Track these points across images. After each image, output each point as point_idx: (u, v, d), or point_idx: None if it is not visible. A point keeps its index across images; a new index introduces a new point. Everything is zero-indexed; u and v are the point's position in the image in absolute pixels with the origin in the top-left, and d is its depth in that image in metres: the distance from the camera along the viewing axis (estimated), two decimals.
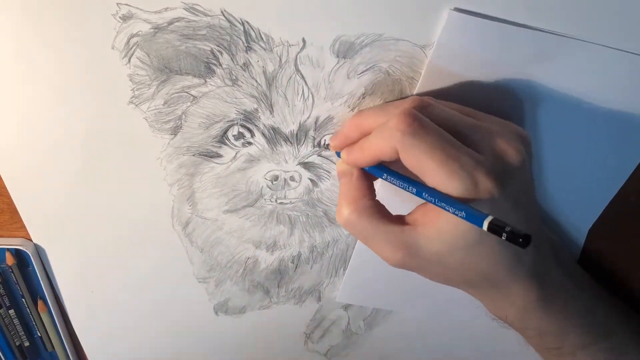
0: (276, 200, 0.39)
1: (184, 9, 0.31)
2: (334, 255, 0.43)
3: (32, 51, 0.32)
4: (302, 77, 0.34)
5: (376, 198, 0.32)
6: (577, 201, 0.39)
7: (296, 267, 0.43)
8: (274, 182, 0.38)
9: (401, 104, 0.30)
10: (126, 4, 0.31)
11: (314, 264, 0.43)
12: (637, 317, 0.39)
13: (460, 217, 0.26)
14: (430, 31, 0.32)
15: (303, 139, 0.36)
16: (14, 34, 0.31)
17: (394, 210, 0.32)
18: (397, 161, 0.28)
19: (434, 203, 0.27)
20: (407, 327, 0.49)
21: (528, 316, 0.33)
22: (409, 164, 0.28)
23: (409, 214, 0.31)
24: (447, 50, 0.32)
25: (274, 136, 0.36)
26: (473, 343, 0.50)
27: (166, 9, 0.31)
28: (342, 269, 0.44)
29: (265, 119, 0.35)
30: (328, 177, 0.38)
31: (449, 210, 0.27)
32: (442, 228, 0.28)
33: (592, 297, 0.36)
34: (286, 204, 0.39)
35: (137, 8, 0.31)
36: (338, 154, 0.34)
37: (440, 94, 0.33)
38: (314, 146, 0.37)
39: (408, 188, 0.29)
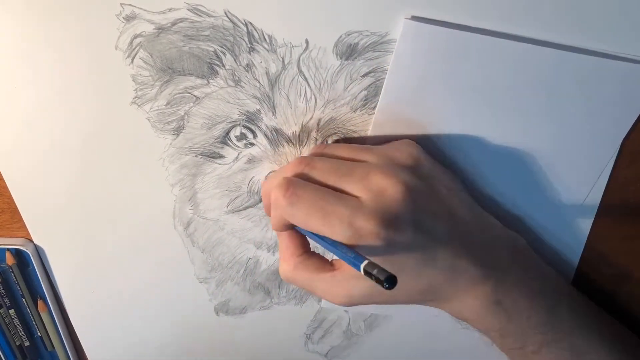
0: None
1: (187, 9, 0.31)
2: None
3: (35, 51, 0.32)
4: (305, 79, 0.34)
5: (310, 249, 0.33)
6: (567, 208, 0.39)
7: None
8: None
9: (288, 166, 0.32)
10: (130, 5, 0.31)
11: None
12: (602, 315, 0.39)
13: (348, 262, 0.27)
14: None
15: (305, 140, 0.36)
16: (17, 35, 0.31)
17: None
18: None
19: (331, 251, 0.29)
20: (408, 328, 0.49)
21: (486, 319, 0.33)
22: (295, 224, 0.30)
23: (334, 257, 0.32)
24: (405, 59, 0.32)
25: (276, 137, 0.36)
26: (473, 343, 0.50)
27: (170, 10, 0.31)
28: None
29: (268, 120, 0.35)
30: None
31: (340, 257, 0.28)
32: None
33: (555, 296, 0.35)
34: None
35: (141, 8, 0.31)
36: None
37: (402, 102, 0.34)
38: None
39: (315, 240, 0.31)
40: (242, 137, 0.36)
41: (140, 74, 0.33)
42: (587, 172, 0.37)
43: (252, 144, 0.36)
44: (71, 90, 0.34)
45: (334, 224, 0.28)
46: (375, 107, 0.35)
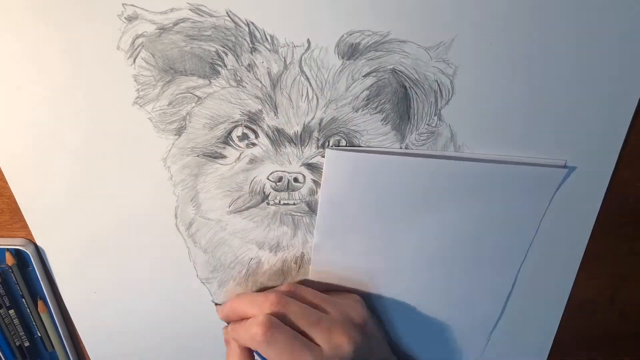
0: (280, 202, 0.39)
1: (189, 9, 0.31)
2: None
3: (37, 52, 0.32)
4: (307, 79, 0.34)
5: None
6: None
7: (299, 268, 0.43)
8: (278, 183, 0.38)
9: (266, 301, 0.38)
10: (132, 5, 0.31)
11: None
12: None
13: None
14: (439, 34, 0.32)
15: (307, 140, 0.36)
16: (19, 35, 0.31)
17: None
18: None
19: None
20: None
21: None
22: (266, 357, 0.36)
23: None
24: (333, 184, 0.38)
25: (278, 137, 0.36)
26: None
27: (171, 10, 0.31)
28: None
29: (270, 120, 0.35)
30: None
31: None
32: None
33: None
34: (290, 205, 0.39)
35: (143, 9, 0.31)
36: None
37: (336, 222, 0.40)
38: (317, 147, 0.37)
39: None
40: (244, 137, 0.36)
41: (142, 74, 0.33)
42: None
43: (254, 144, 0.36)
44: (73, 91, 0.34)
45: None
46: (376, 106, 0.36)
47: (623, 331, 0.49)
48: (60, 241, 0.41)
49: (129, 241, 0.41)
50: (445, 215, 0.40)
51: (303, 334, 0.37)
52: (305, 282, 0.43)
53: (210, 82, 0.34)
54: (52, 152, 0.36)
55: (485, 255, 0.42)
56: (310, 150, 0.37)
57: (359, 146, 0.37)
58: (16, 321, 0.45)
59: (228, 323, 0.41)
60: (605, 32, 0.33)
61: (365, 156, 0.37)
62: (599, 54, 0.34)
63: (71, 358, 0.48)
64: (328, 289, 0.43)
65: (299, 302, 0.38)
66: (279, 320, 0.36)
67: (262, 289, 0.44)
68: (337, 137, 0.36)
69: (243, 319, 0.39)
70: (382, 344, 0.43)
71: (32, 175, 0.37)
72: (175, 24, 0.31)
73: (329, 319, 0.38)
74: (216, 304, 0.45)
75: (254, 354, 0.39)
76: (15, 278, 0.42)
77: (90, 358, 0.49)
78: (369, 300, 0.44)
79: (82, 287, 0.43)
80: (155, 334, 0.47)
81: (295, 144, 0.36)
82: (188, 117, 0.35)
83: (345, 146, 0.37)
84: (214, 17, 0.31)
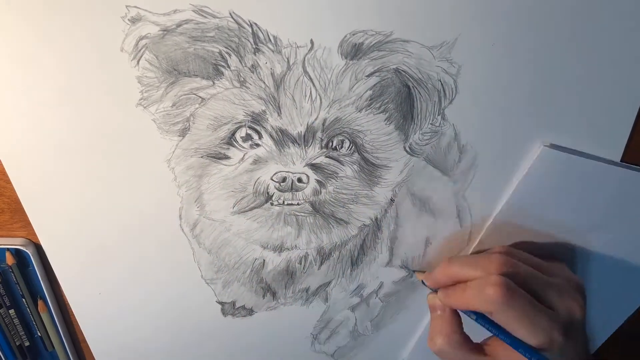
0: (284, 202, 0.39)
1: (192, 11, 0.31)
2: (341, 257, 0.43)
3: (41, 53, 0.32)
4: (310, 79, 0.34)
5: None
6: None
7: (303, 268, 0.43)
8: (282, 184, 0.38)
9: (490, 263, 0.36)
10: (135, 7, 0.31)
11: (321, 265, 0.43)
12: None
13: None
14: (442, 33, 0.32)
15: (311, 141, 0.36)
16: (23, 37, 0.32)
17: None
18: None
19: (516, 348, 0.35)
20: (414, 328, 0.49)
21: None
22: (500, 322, 0.35)
23: (487, 344, 0.38)
24: (534, 182, 0.38)
25: (282, 138, 0.36)
26: None
27: (175, 11, 0.31)
28: (349, 270, 0.44)
29: (273, 120, 0.35)
30: (335, 179, 0.38)
31: (527, 357, 0.34)
32: None
33: None
34: (293, 205, 0.39)
35: (146, 10, 0.31)
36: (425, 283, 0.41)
37: (520, 219, 0.40)
38: (321, 147, 0.37)
39: (494, 332, 0.36)
40: (247, 138, 0.36)
41: (146, 76, 0.33)
42: None
43: (257, 145, 0.36)
44: (77, 92, 0.34)
45: (536, 331, 0.34)
46: (380, 106, 0.35)
47: None
48: (66, 243, 0.41)
49: (134, 242, 0.41)
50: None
51: (535, 297, 0.35)
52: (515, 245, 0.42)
53: (213, 83, 0.34)
54: (55, 153, 0.36)
55: None
56: (314, 151, 0.37)
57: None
58: (16, 321, 0.45)
59: (435, 291, 0.40)
60: (608, 30, 0.33)
61: (582, 160, 0.37)
62: (602, 53, 0.34)
63: (71, 358, 0.48)
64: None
65: (525, 266, 0.36)
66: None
67: (266, 289, 0.45)
68: (341, 137, 0.36)
69: (458, 283, 0.37)
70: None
71: (35, 176, 0.37)
72: (179, 25, 0.31)
73: (558, 284, 0.36)
74: (414, 271, 0.44)
75: (475, 318, 0.37)
76: (16, 278, 0.43)
77: (95, 358, 0.49)
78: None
79: (87, 288, 0.43)
80: (159, 334, 0.47)
81: (298, 144, 0.36)
82: (192, 118, 0.35)
83: (560, 146, 0.37)
84: (217, 18, 0.31)
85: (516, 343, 0.35)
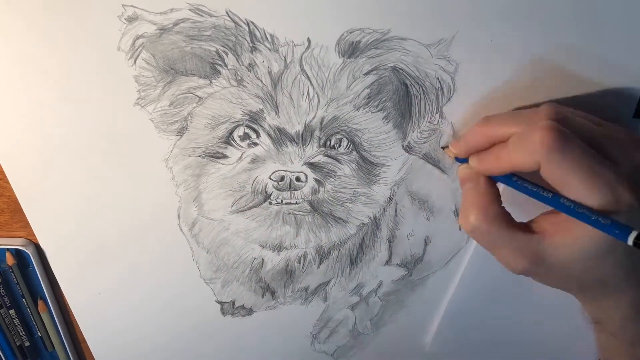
0: (282, 201, 0.39)
1: (189, 9, 0.31)
2: (340, 256, 0.43)
3: (38, 53, 0.32)
4: (308, 77, 0.34)
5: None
6: None
7: (302, 268, 0.43)
8: (280, 183, 0.38)
9: (536, 114, 0.30)
10: (131, 6, 0.31)
11: (320, 264, 0.43)
12: None
13: (601, 230, 0.27)
14: (440, 31, 0.32)
15: (309, 139, 0.36)
16: (19, 36, 0.32)
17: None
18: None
19: (572, 214, 0.28)
20: (414, 327, 0.49)
21: (630, 323, 0.33)
22: (551, 177, 0.28)
23: (533, 222, 0.31)
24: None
25: (280, 137, 0.36)
26: (477, 343, 0.50)
27: (171, 10, 0.31)
28: (348, 269, 0.44)
29: (271, 119, 0.35)
30: (333, 178, 0.38)
31: (588, 223, 0.27)
32: (574, 238, 0.29)
33: None
34: (292, 204, 0.39)
35: (143, 9, 0.31)
36: (459, 160, 0.34)
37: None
38: (319, 146, 0.37)
39: (542, 197, 0.29)
40: (245, 137, 0.36)
41: (143, 75, 0.33)
42: None
43: (255, 144, 0.36)
44: (74, 92, 0.34)
45: (598, 185, 0.27)
46: (378, 104, 0.35)
47: None
48: (64, 243, 0.41)
49: (132, 242, 0.41)
50: None
51: (595, 148, 0.28)
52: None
53: (211, 82, 0.34)
54: (53, 153, 0.36)
55: None
56: (312, 150, 0.37)
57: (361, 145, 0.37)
58: (16, 321, 0.45)
59: (464, 162, 0.34)
60: (607, 28, 0.33)
61: None
62: (600, 51, 0.34)
63: (71, 358, 0.48)
64: None
65: (580, 118, 0.30)
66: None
67: (265, 288, 0.45)
68: (339, 136, 0.36)
69: (495, 145, 0.31)
70: None
71: (33, 176, 0.37)
72: (176, 24, 0.31)
73: (620, 138, 0.29)
74: (443, 147, 0.37)
75: (518, 186, 0.31)
76: (16, 278, 0.43)
77: (95, 358, 0.49)
78: None
79: (86, 288, 0.43)
80: (159, 333, 0.47)
81: (296, 143, 0.36)
82: (189, 118, 0.35)
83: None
84: (214, 16, 0.31)
85: (572, 208, 0.28)
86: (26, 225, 0.40)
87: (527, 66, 0.34)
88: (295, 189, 0.38)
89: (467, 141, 0.33)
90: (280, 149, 0.36)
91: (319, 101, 0.35)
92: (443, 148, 0.37)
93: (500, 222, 0.30)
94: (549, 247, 0.29)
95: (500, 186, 0.33)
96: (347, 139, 0.37)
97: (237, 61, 0.33)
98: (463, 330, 0.48)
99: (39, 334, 0.46)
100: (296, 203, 0.39)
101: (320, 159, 0.37)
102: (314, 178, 0.38)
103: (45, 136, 0.35)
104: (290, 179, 0.38)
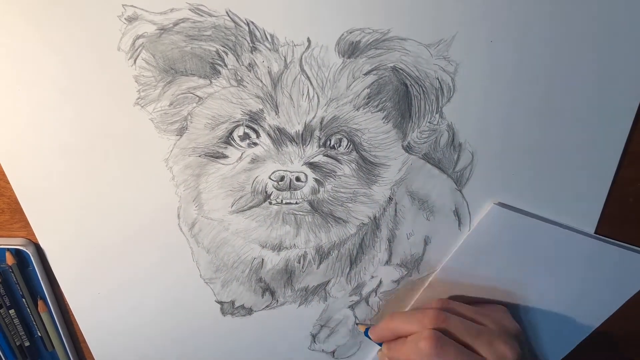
0: (282, 201, 0.39)
1: (189, 9, 0.31)
2: (339, 255, 0.43)
3: (38, 53, 0.32)
4: (307, 77, 0.34)
5: None
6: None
7: (302, 267, 0.43)
8: (280, 183, 0.38)
9: (426, 317, 0.38)
10: (132, 6, 0.31)
11: (320, 264, 0.43)
12: None
13: None
14: (440, 31, 0.32)
15: (308, 139, 0.36)
16: (20, 36, 0.32)
17: None
18: None
19: None
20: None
21: None
22: None
23: None
24: (482, 236, 0.41)
25: (280, 136, 0.36)
26: None
27: (171, 10, 0.31)
28: (347, 268, 0.44)
29: (271, 119, 0.35)
30: (333, 178, 0.38)
31: None
32: None
33: None
34: (292, 204, 0.39)
35: (143, 9, 0.31)
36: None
37: (466, 268, 0.43)
38: (319, 146, 0.37)
39: None
40: (245, 136, 0.36)
41: (143, 75, 0.33)
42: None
43: (255, 144, 0.36)
44: (74, 92, 0.34)
45: None
46: (378, 104, 0.35)
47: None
48: (64, 243, 0.41)
49: (132, 242, 0.41)
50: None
51: (466, 347, 0.37)
52: (453, 298, 0.45)
53: (211, 82, 0.34)
54: (53, 153, 0.36)
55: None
56: (311, 149, 0.37)
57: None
58: (16, 321, 0.45)
59: (380, 345, 0.43)
60: (607, 29, 0.33)
61: (529, 220, 0.40)
62: (601, 52, 0.34)
63: (71, 358, 0.48)
64: (469, 302, 0.44)
65: (457, 316, 0.39)
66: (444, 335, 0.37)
67: (265, 288, 0.45)
68: (339, 136, 0.36)
69: (399, 337, 0.40)
70: (531, 352, 0.46)
71: (33, 176, 0.37)
72: (176, 24, 0.31)
73: (489, 331, 0.38)
74: (357, 323, 0.47)
75: None
76: (16, 278, 0.43)
77: (95, 358, 0.49)
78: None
79: (86, 288, 0.43)
80: (158, 334, 0.47)
81: (296, 143, 0.36)
82: (189, 118, 0.35)
83: (510, 206, 0.40)
84: (214, 16, 0.31)
85: None
86: (26, 225, 0.40)
87: (527, 66, 0.34)
88: (295, 189, 0.38)
89: (378, 332, 0.42)
90: (280, 149, 0.36)
91: (318, 101, 0.35)
92: (357, 324, 0.47)
93: None
94: None
95: None
96: (347, 139, 0.37)
97: (237, 61, 0.33)
98: None
99: (39, 334, 0.46)
100: (296, 203, 0.39)
101: (320, 159, 0.37)
102: (313, 178, 0.38)
103: (45, 136, 0.35)
104: (290, 179, 0.38)
